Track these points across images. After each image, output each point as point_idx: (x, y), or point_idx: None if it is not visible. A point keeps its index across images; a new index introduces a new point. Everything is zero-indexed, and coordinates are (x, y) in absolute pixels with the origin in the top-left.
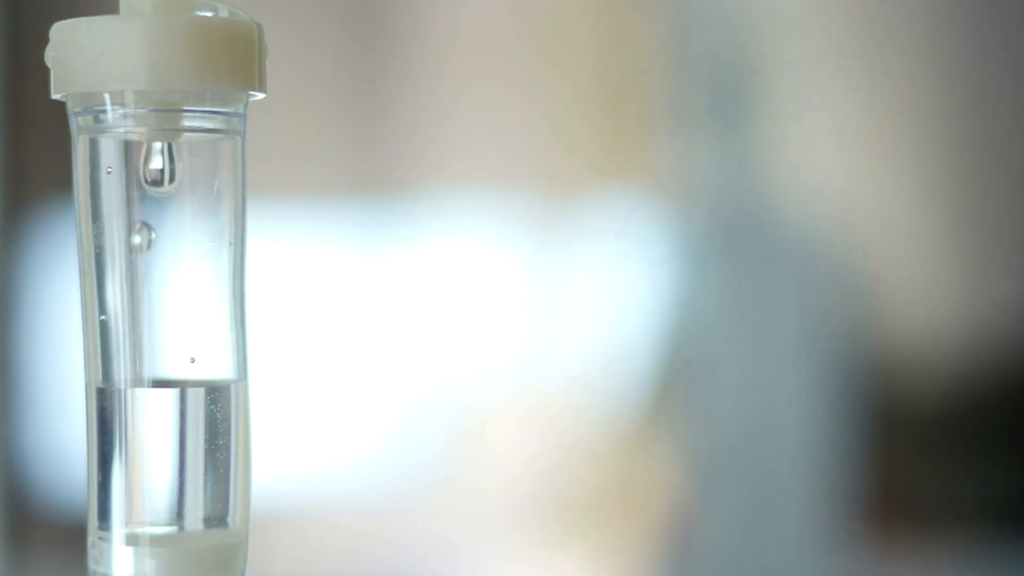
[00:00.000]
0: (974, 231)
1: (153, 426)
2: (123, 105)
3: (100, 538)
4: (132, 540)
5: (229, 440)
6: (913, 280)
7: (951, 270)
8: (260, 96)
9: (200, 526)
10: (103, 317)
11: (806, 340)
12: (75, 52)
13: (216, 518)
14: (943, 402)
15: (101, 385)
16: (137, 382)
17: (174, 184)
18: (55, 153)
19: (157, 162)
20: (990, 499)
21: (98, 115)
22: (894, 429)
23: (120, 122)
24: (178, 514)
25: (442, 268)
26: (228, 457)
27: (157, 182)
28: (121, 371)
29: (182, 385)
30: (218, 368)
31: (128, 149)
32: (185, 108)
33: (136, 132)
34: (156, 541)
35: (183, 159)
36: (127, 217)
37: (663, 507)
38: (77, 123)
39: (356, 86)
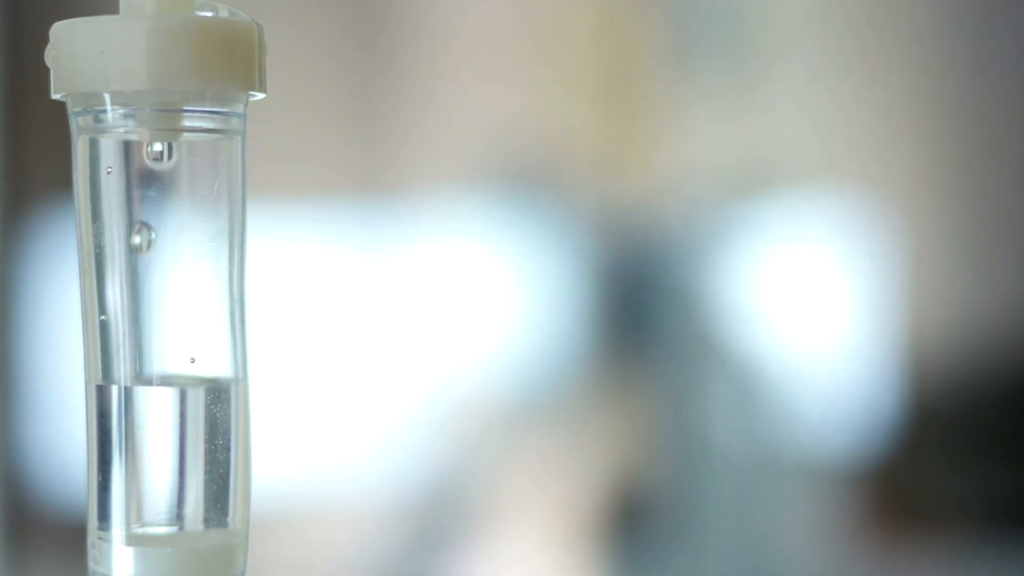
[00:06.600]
0: (980, 231)
1: (153, 426)
2: (123, 105)
3: (100, 538)
4: (132, 540)
5: (229, 440)
6: (918, 278)
7: (955, 270)
8: (260, 96)
9: (200, 526)
10: (103, 317)
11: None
12: (75, 52)
13: (216, 518)
14: (945, 401)
15: (101, 385)
16: (137, 382)
17: (173, 160)
18: (55, 153)
19: (157, 145)
20: (991, 499)
21: (98, 115)
22: (896, 428)
23: (120, 122)
24: (178, 514)
25: (441, 268)
26: (228, 457)
27: (157, 159)
28: (121, 371)
29: (182, 385)
30: (218, 368)
31: (128, 149)
32: (185, 108)
33: (136, 132)
34: (156, 541)
35: (183, 158)
36: (127, 217)
37: (664, 506)
38: (77, 123)
39: (356, 86)
